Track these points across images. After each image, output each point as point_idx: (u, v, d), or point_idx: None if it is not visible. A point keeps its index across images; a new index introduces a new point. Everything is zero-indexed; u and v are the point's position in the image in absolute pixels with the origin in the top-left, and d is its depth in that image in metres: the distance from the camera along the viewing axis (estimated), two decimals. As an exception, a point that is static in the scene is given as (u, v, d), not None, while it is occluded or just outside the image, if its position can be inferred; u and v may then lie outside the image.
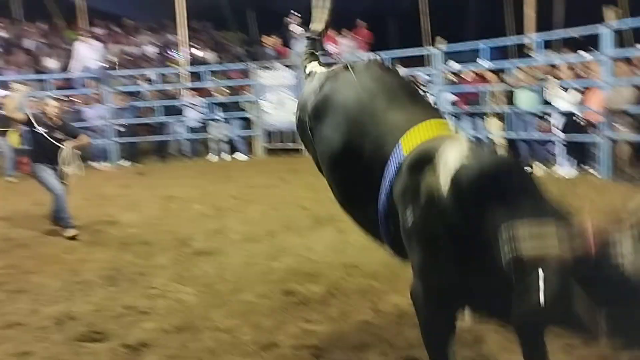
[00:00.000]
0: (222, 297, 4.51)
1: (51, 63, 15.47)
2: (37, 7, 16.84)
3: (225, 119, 12.67)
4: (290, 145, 12.34)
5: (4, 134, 10.66)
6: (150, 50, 17.83)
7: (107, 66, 13.96)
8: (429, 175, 2.40)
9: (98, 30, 17.12)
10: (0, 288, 4.86)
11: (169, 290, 4.69)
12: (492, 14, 16.21)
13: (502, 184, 2.22)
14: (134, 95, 13.40)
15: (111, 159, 12.22)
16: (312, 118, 3.22)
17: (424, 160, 2.49)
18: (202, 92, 13.23)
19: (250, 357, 3.57)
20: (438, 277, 2.45)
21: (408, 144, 2.65)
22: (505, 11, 14.11)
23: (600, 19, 8.35)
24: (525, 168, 2.66)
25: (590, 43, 9.22)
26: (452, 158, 2.35)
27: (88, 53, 13.00)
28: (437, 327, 2.61)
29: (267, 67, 12.78)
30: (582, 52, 9.19)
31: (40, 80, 13.61)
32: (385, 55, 11.54)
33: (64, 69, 14.96)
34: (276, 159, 12.28)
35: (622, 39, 9.43)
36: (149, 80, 14.05)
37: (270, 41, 13.43)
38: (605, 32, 7.93)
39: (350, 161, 2.94)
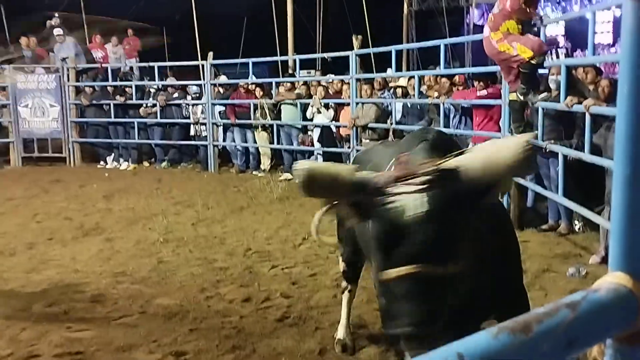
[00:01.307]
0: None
1: None
2: None
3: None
4: (52, 154, 11.59)
5: None
6: None
7: None
8: None
9: None
10: None
11: None
12: (263, 34, 17.15)
13: None
14: None
15: None
16: None
17: None
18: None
19: (7, 370, 3.44)
20: None
21: None
22: (275, 32, 15.08)
23: (349, 46, 9.54)
24: None
25: (344, 66, 10.49)
26: None
27: None
28: None
29: (24, 70, 11.81)
30: (330, 75, 10.40)
31: None
32: (159, 64, 11.56)
33: None
34: (36, 168, 11.42)
35: (367, 63, 10.88)
36: None
37: (28, 42, 12.41)
38: (352, 56, 9.07)
39: None
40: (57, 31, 12.03)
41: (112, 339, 3.87)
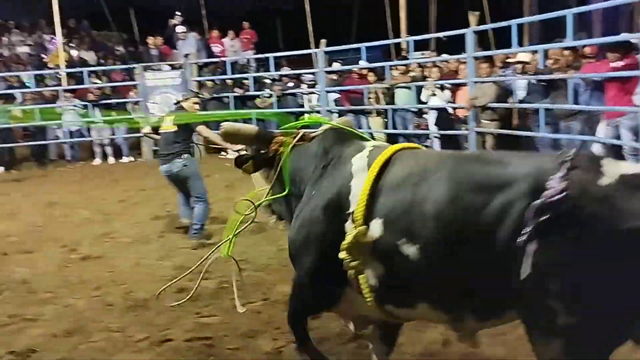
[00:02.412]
0: (113, 299, 4.51)
1: None
2: None
3: (108, 122, 12.31)
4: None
5: None
6: (24, 50, 16.88)
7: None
8: None
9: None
10: None
11: (57, 297, 4.60)
12: (374, 17, 16.97)
13: None
14: (8, 99, 12.64)
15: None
16: None
17: None
18: (81, 94, 12.74)
19: (143, 353, 3.65)
20: None
21: None
22: (386, 14, 14.86)
23: (464, 23, 9.11)
24: None
25: (459, 44, 10.05)
26: None
27: None
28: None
29: (152, 68, 12.56)
30: (445, 55, 9.98)
31: None
32: (272, 55, 11.81)
33: None
34: (164, 161, 12.11)
35: (484, 40, 10.35)
36: (24, 83, 13.32)
37: (155, 41, 13.19)
38: (468, 34, 8.67)
39: None
40: (180, 28, 12.66)
41: (238, 325, 3.98)
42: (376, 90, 10.06)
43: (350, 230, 2.49)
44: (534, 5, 16.21)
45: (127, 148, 12.50)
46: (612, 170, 2.01)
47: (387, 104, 10.03)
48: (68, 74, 13.36)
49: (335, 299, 2.77)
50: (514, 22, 7.97)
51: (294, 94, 11.36)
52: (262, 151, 3.13)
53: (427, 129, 9.72)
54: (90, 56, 17.54)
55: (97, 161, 12.33)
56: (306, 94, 11.15)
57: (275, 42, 19.52)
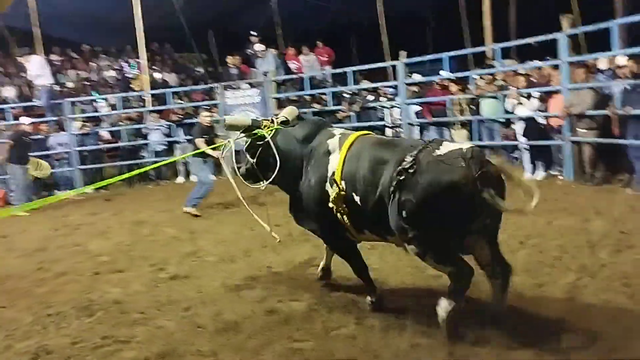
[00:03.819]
0: (203, 321, 4.42)
1: (8, 92, 15.15)
2: (-9, 36, 16.54)
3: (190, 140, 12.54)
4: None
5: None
6: (110, 74, 17.65)
7: (57, 86, 13.63)
8: None
9: (54, 57, 16.86)
10: (-30, 326, 4.67)
11: (148, 318, 4.56)
12: (448, 27, 16.59)
13: None
14: (96, 121, 13.19)
15: (76, 187, 11.95)
16: None
17: None
18: (165, 115, 13.09)
19: (237, 379, 3.50)
20: None
21: None
22: (462, 23, 14.44)
23: (549, 28, 8.63)
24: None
25: (546, 50, 9.51)
26: None
27: (36, 69, 12.60)
28: None
29: (231, 87, 12.73)
30: (536, 61, 9.45)
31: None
32: (350, 69, 11.68)
33: (22, 96, 14.68)
34: (245, 178, 12.18)
35: (577, 45, 9.75)
36: (111, 106, 13.88)
37: (234, 60, 13.41)
38: (561, 38, 8.17)
39: None
40: (259, 47, 12.78)
41: (332, 350, 3.78)
42: (460, 100, 9.69)
43: (333, 189, 4.16)
44: (625, 6, 15.29)
45: (212, 166, 12.64)
46: (445, 147, 3.67)
47: (472, 115, 9.63)
48: (152, 96, 13.80)
49: (344, 234, 4.36)
50: (614, 24, 7.41)
51: (374, 108, 11.16)
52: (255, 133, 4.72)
53: (516, 140, 9.23)
54: (172, 78, 18.13)
55: (181, 179, 12.58)
56: (387, 107, 10.91)
57: (349, 56, 19.49)
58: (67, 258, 6.70)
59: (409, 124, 10.58)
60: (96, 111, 13.92)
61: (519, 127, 9.22)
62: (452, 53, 10.64)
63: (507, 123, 9.40)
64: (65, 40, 18.24)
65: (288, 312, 4.46)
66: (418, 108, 10.69)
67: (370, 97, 11.34)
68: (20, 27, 15.79)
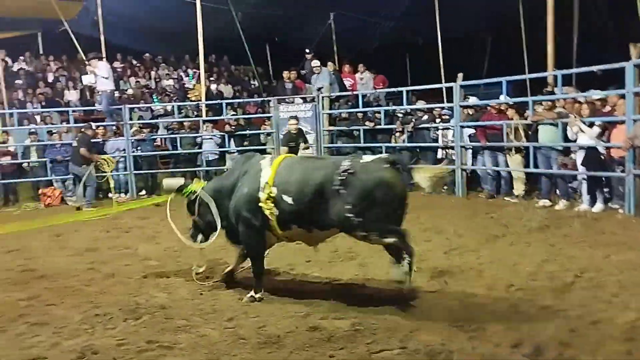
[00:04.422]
0: (246, 332, 4.40)
1: (71, 95, 15.75)
2: (59, 42, 17.25)
3: (242, 151, 12.69)
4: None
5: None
6: (168, 83, 18.13)
7: (117, 92, 14.06)
8: None
9: (116, 64, 17.44)
10: (22, 320, 4.79)
11: (191, 325, 4.58)
12: (507, 50, 16.33)
13: None
14: (152, 127, 13.52)
15: (130, 191, 12.25)
16: None
17: None
18: (218, 125, 13.32)
19: (277, 395, 3.46)
20: None
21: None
22: (522, 47, 14.17)
23: (612, 56, 8.37)
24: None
25: (609, 79, 9.21)
26: None
27: (99, 75, 13.03)
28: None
29: (285, 101, 12.84)
30: (598, 90, 9.16)
31: (62, 113, 13.88)
32: (405, 89, 11.62)
33: (83, 100, 15.24)
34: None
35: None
36: (168, 114, 14.22)
37: (290, 75, 13.54)
38: (629, 67, 7.90)
39: None
40: (315, 63, 12.86)
41: (374, 374, 3.70)
42: (517, 126, 9.47)
43: (264, 193, 5.07)
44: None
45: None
46: (366, 158, 5.00)
47: (528, 141, 9.38)
48: (207, 106, 14.07)
49: (263, 234, 5.25)
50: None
51: (427, 129, 11.04)
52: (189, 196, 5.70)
53: (574, 169, 8.92)
54: (227, 89, 18.49)
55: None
56: (441, 128, 10.77)
57: (404, 75, 19.42)
58: (117, 260, 6.85)
59: (462, 146, 10.40)
60: (153, 118, 14.28)
61: (578, 157, 8.91)
62: (512, 78, 10.42)
63: (566, 151, 9.11)
64: (128, 49, 18.90)
65: (331, 330, 4.40)
66: (472, 131, 10.51)
67: (425, 117, 11.22)
68: (87, 34, 16.44)
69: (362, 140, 11.76)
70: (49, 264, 6.74)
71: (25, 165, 12.45)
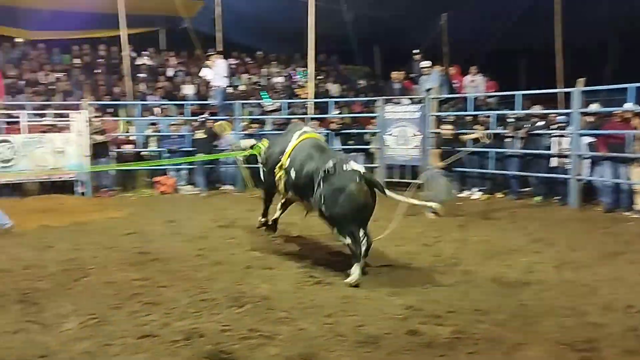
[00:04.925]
0: (344, 330, 4.41)
1: (188, 90, 16.58)
2: (180, 39, 18.24)
3: (345, 150, 12.75)
4: (410, 180, 12.22)
5: None
6: (279, 80, 18.61)
7: (230, 88, 14.60)
8: None
9: (231, 61, 18.14)
10: (136, 299, 5.11)
11: (291, 318, 4.66)
12: (634, 55, 15.23)
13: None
14: (262, 123, 13.92)
15: (238, 185, 12.67)
16: None
17: None
18: (324, 123, 13.47)
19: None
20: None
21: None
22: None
23: None
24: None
25: None
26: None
27: (217, 71, 13.57)
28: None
29: (392, 101, 12.75)
30: None
31: (179, 106, 14.66)
32: (520, 93, 11.15)
33: (198, 94, 16.00)
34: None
35: None
36: (276, 110, 14.58)
37: (398, 75, 13.43)
38: None
39: None
40: (424, 63, 12.66)
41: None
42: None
43: (282, 161, 6.52)
44: None
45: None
46: (351, 165, 5.85)
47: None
48: (314, 104, 14.29)
49: (273, 185, 6.82)
50: None
51: (541, 135, 10.51)
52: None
53: None
54: (334, 88, 18.67)
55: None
56: (556, 135, 10.22)
57: (516, 81, 18.66)
58: (224, 249, 7.11)
59: (579, 155, 9.80)
60: (262, 114, 14.70)
61: None
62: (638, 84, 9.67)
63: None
64: (242, 46, 19.61)
65: (431, 335, 4.31)
66: (591, 139, 9.88)
67: (540, 123, 10.69)
68: (205, 31, 17.24)
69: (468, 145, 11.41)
70: (162, 248, 7.13)
71: (144, 153, 13.27)
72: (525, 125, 10.63)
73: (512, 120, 11.08)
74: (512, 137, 10.83)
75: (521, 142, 10.70)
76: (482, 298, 5.20)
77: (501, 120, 11.46)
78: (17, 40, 17.30)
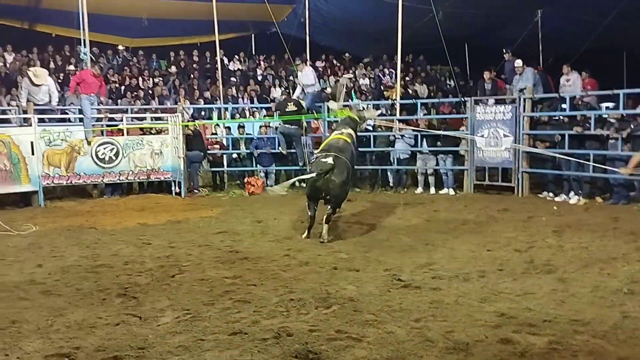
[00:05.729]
0: (433, 335, 4.33)
1: (276, 93, 16.93)
2: (269, 43, 18.67)
3: (433, 152, 12.53)
4: (501, 183, 11.84)
5: None
6: (366, 82, 18.60)
7: (322, 92, 14.75)
8: None
9: (318, 63, 18.33)
10: (227, 296, 5.28)
11: (379, 321, 4.63)
12: None
13: None
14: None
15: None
16: None
17: None
18: (412, 125, 13.30)
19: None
20: None
21: None
22: None
23: None
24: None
25: None
26: None
27: (306, 79, 13.74)
28: None
29: (482, 102, 12.38)
30: None
31: (268, 109, 15.00)
32: (622, 92, 10.50)
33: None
34: (485, 196, 11.78)
35: None
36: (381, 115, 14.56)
37: (490, 75, 13.03)
38: None
39: None
40: (518, 62, 12.21)
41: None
42: None
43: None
44: None
45: (450, 180, 12.51)
46: (326, 158, 7.87)
47: None
48: (401, 105, 14.15)
49: None
50: None
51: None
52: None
53: None
54: (422, 89, 18.43)
55: (419, 190, 12.67)
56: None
57: (617, 80, 17.56)
58: (311, 249, 7.20)
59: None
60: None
61: None
62: None
63: None
64: (330, 49, 19.78)
65: (525, 345, 4.13)
66: None
67: (645, 123, 10.01)
68: (294, 35, 17.55)
69: (566, 147, 10.86)
70: (251, 247, 7.33)
71: (234, 155, 13.69)
72: (629, 127, 9.97)
73: (614, 121, 10.44)
74: (615, 138, 10.19)
75: (624, 143, 10.04)
76: (580, 308, 4.93)
77: (602, 122, 10.82)
78: (119, 47, 18.39)
